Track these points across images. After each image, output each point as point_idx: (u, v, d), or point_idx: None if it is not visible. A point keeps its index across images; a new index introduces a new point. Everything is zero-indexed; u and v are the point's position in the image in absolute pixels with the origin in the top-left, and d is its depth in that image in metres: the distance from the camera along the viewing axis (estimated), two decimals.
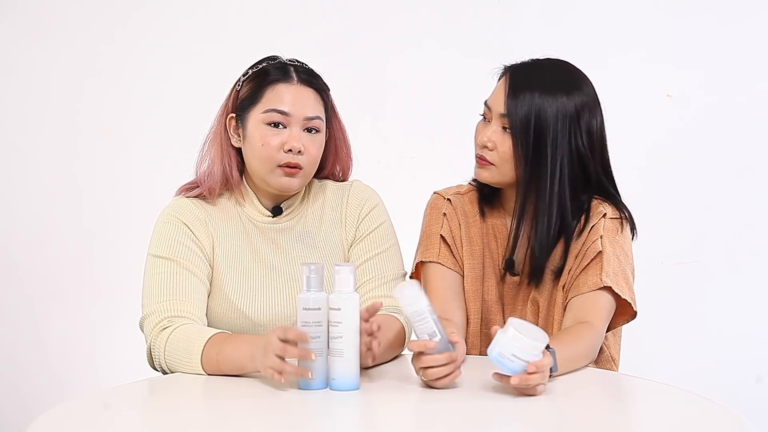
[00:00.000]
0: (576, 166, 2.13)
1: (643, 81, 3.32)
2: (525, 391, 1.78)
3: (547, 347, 1.84)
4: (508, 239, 2.20)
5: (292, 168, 2.06)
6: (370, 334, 1.84)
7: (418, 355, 1.82)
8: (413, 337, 2.14)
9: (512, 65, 2.19)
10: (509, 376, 1.77)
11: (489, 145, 2.14)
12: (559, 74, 2.16)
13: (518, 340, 1.76)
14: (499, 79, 2.18)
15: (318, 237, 2.16)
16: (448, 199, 2.26)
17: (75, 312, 3.50)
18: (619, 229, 2.15)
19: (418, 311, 1.80)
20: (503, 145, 2.13)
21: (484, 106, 2.18)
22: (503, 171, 2.15)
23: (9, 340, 3.50)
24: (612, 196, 2.19)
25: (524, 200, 2.14)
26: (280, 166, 2.06)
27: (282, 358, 1.77)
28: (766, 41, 3.32)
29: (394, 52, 3.40)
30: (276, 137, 2.06)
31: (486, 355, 2.08)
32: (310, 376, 1.79)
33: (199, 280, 2.07)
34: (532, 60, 2.19)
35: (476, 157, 2.18)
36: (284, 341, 1.78)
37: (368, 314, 1.85)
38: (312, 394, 1.79)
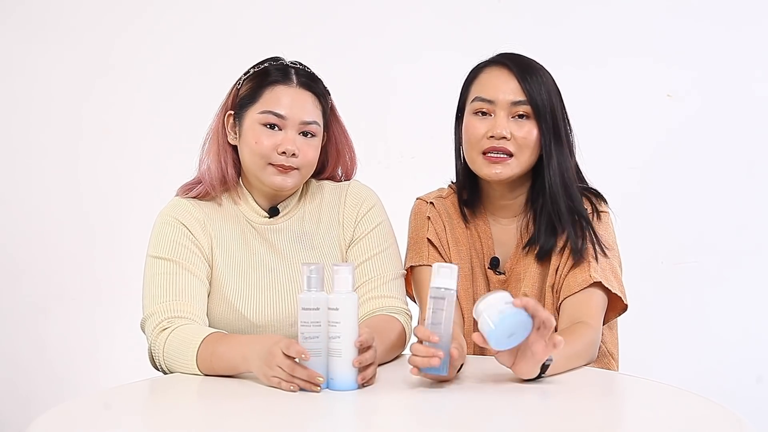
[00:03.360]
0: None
1: (643, 81, 3.33)
2: (538, 313, 1.75)
3: None
4: (526, 229, 2.19)
5: (284, 168, 2.06)
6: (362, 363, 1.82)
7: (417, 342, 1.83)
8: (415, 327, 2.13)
9: (498, 55, 2.18)
10: (514, 352, 1.79)
11: (507, 135, 2.12)
12: (531, 59, 2.19)
13: (492, 298, 1.77)
14: (476, 75, 2.18)
15: (316, 237, 2.16)
16: (431, 203, 2.25)
17: (75, 312, 3.50)
18: (599, 223, 2.15)
19: (442, 291, 1.80)
20: (520, 131, 2.12)
21: (478, 102, 2.15)
22: (521, 160, 2.13)
23: (9, 340, 3.51)
24: (586, 189, 2.21)
25: (540, 184, 2.15)
26: (272, 164, 2.06)
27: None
28: (766, 42, 3.33)
29: (396, 54, 3.40)
30: (270, 138, 2.06)
31: (481, 354, 2.08)
32: (319, 390, 1.79)
33: (199, 279, 2.07)
34: (499, 53, 2.19)
35: (484, 154, 2.14)
36: (288, 356, 1.78)
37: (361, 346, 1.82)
38: (311, 393, 1.79)
